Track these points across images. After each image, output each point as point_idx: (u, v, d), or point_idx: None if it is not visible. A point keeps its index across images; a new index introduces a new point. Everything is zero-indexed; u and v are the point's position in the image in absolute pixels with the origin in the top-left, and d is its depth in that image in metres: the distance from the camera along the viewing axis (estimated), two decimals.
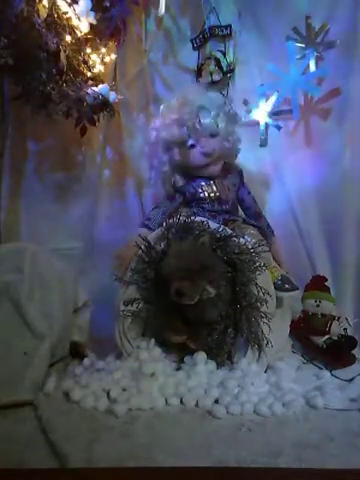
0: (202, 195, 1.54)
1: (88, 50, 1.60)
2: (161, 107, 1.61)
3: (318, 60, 1.69)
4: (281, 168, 1.80)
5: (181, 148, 1.53)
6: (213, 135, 1.51)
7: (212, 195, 1.55)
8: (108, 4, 1.66)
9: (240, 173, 1.65)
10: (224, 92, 1.77)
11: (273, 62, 1.70)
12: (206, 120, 1.48)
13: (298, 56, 1.68)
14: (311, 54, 1.67)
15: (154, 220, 1.47)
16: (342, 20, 1.67)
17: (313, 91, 1.72)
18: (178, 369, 1.24)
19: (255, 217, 1.61)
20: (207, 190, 1.55)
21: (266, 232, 1.57)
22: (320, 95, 1.72)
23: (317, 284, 1.54)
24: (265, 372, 1.26)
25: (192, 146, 1.51)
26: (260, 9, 1.76)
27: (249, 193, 1.65)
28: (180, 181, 1.57)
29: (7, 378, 1.08)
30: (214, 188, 1.55)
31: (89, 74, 1.61)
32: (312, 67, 1.69)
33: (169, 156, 1.56)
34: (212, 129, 1.50)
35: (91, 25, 1.55)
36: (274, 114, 1.73)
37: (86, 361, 1.31)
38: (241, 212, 1.66)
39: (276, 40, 1.72)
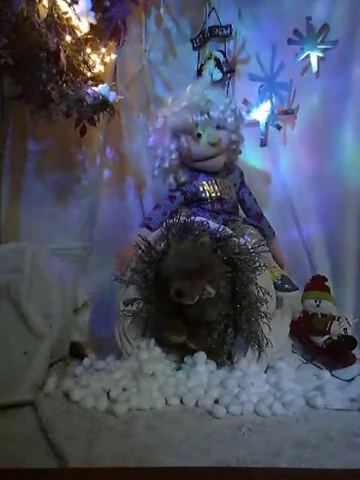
0: (203, 195, 1.54)
1: (88, 50, 1.60)
2: (170, 97, 1.63)
3: (319, 60, 1.70)
4: (281, 167, 1.81)
5: (188, 137, 1.53)
6: (219, 127, 1.53)
7: (213, 195, 1.54)
8: (108, 4, 1.67)
9: (241, 173, 1.66)
10: (224, 92, 1.77)
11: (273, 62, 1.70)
12: (214, 113, 1.50)
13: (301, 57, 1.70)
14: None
15: (155, 220, 1.47)
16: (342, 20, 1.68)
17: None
18: (178, 369, 1.24)
19: (256, 218, 1.61)
20: (208, 190, 1.55)
21: (267, 232, 1.58)
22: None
23: (317, 284, 1.54)
24: (265, 372, 1.26)
25: (199, 135, 1.51)
26: (260, 9, 1.76)
27: (250, 194, 1.66)
28: (183, 176, 1.57)
29: (7, 378, 1.08)
30: (216, 188, 1.55)
31: (89, 74, 1.60)
32: (314, 67, 1.70)
33: (177, 145, 1.55)
34: (220, 120, 1.52)
35: (91, 25, 1.55)
36: (272, 114, 1.75)
37: (86, 361, 1.31)
38: (241, 212, 1.66)
39: (276, 40, 1.72)
